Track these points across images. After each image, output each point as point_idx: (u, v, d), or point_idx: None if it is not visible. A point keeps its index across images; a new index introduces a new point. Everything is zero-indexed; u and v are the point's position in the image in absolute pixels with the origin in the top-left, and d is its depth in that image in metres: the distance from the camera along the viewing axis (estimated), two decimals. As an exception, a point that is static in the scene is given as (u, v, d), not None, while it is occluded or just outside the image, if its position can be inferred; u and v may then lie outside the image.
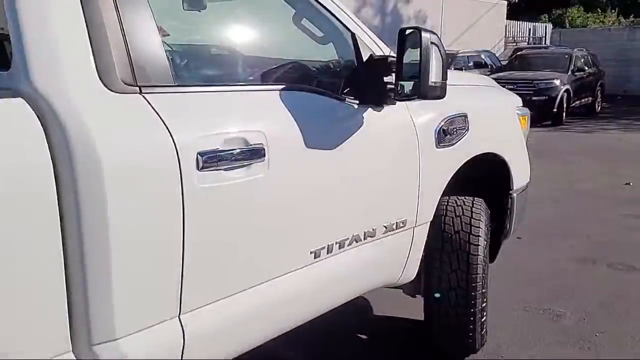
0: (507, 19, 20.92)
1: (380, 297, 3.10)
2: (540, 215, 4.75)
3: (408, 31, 1.89)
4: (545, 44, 21.75)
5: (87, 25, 1.34)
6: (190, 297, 1.51)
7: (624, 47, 20.55)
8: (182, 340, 1.51)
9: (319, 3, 1.99)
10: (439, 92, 1.89)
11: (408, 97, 1.93)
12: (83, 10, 1.33)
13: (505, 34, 20.96)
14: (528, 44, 21.31)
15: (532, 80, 11.75)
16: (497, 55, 17.21)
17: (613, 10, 24.02)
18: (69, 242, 1.26)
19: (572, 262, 4.10)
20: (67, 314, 1.30)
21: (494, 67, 14.98)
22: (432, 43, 1.80)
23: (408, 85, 1.96)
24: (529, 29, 22.32)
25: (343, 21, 2.05)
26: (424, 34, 1.80)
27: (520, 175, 2.96)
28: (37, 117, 1.23)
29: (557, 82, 11.98)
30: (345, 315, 2.51)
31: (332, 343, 2.89)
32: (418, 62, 1.81)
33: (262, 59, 1.97)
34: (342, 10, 2.06)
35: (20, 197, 1.19)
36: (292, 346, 2.71)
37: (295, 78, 1.97)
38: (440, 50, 1.84)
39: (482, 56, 15.26)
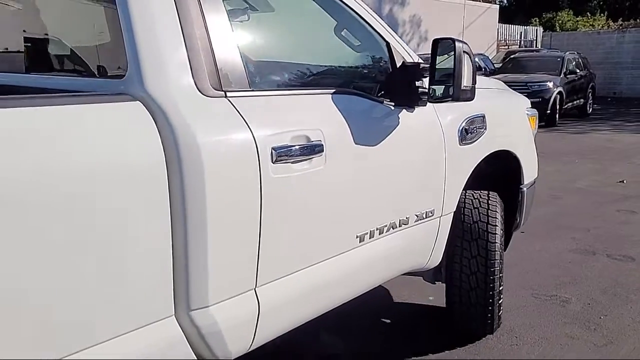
0: (499, 22, 21.29)
1: (397, 285, 3.36)
2: (540, 211, 5.01)
3: (441, 41, 2.14)
4: (536, 47, 22.14)
5: (184, 41, 1.58)
6: (263, 272, 1.75)
7: (613, 50, 21.00)
8: (257, 310, 1.75)
9: (359, 15, 2.25)
10: (469, 95, 2.15)
11: (441, 100, 2.19)
12: (182, 29, 1.57)
13: (498, 38, 21.33)
14: (519, 47, 21.68)
15: (526, 83, 12.06)
16: (489, 58, 17.55)
17: (602, 14, 24.49)
18: (176, 221, 1.49)
19: (574, 253, 4.36)
20: (173, 285, 1.53)
21: (488, 70, 15.29)
22: (464, 52, 2.06)
23: (439, 89, 2.22)
24: (521, 33, 22.71)
25: (379, 31, 2.30)
26: (457, 44, 2.05)
27: (529, 171, 3.23)
28: (150, 115, 1.47)
29: (550, 84, 12.30)
30: (368, 302, 2.75)
31: (360, 326, 3.14)
32: (452, 68, 2.05)
33: (314, 66, 2.21)
34: (377, 21, 2.31)
35: (140, 181, 1.42)
36: (323, 329, 2.96)
37: (341, 82, 2.21)
38: (470, 58, 2.09)
39: (477, 59, 15.52)
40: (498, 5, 21.54)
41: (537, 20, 24.79)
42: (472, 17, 19.12)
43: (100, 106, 1.41)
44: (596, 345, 2.95)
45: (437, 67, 2.20)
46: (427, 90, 2.26)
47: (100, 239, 1.36)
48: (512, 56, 15.29)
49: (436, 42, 2.16)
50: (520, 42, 22.45)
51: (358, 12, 2.23)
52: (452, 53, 2.06)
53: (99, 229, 1.35)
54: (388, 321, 3.28)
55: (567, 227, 4.99)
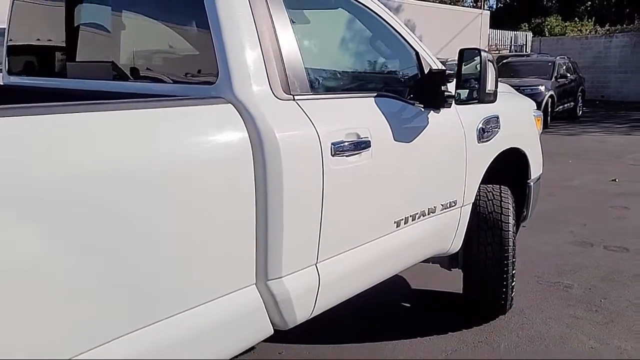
0: (490, 27, 21.75)
1: (412, 274, 3.65)
2: (539, 208, 5.30)
3: (466, 50, 2.44)
4: (525, 51, 22.60)
5: (262, 54, 1.87)
6: (323, 250, 2.04)
7: (601, 54, 21.50)
8: (318, 282, 2.04)
9: (393, 28, 2.55)
10: (492, 98, 2.46)
11: (467, 102, 2.49)
12: (260, 45, 1.87)
13: (489, 42, 21.78)
14: (510, 51, 22.14)
15: (519, 87, 12.36)
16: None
17: (590, 20, 25.05)
18: (259, 202, 1.78)
19: (573, 245, 4.69)
20: (255, 257, 1.82)
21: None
22: (488, 60, 2.36)
23: (463, 93, 2.53)
24: (511, 38, 23.19)
25: (409, 42, 2.61)
26: (483, 53, 2.36)
27: (536, 167, 3.55)
28: (239, 114, 1.76)
29: (542, 88, 12.70)
30: (389, 289, 3.05)
31: (383, 310, 3.43)
32: (478, 74, 2.36)
33: (357, 72, 2.51)
34: (408, 33, 2.62)
35: (232, 166, 1.71)
36: (353, 313, 3.25)
37: (380, 87, 2.51)
38: (493, 65, 2.40)
39: (470, 64, 15.91)
40: (489, 11, 21.97)
41: (527, 26, 25.32)
42: (464, 23, 19.56)
43: (205, 107, 1.71)
44: (598, 323, 3.27)
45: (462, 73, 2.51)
46: (451, 94, 2.56)
47: (203, 215, 1.65)
48: (504, 61, 15.69)
49: (462, 52, 2.47)
50: (510, 47, 22.93)
51: (392, 25, 2.54)
52: (478, 61, 2.36)
53: (201, 208, 1.64)
54: (408, 305, 3.58)
55: (565, 222, 5.32)
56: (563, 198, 6.36)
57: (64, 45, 2.52)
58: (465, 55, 2.47)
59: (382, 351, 2.96)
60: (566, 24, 24.90)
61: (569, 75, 14.51)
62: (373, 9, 2.48)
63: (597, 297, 3.65)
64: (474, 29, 20.39)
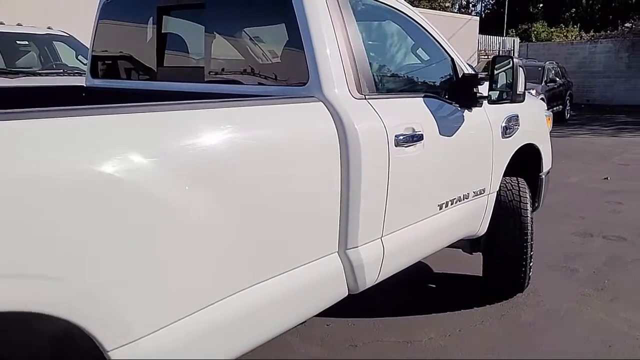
0: (479, 33, 22.31)
1: (434, 260, 4.03)
2: (542, 202, 5.75)
3: (499, 57, 2.84)
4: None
5: (342, 61, 2.24)
6: (387, 226, 2.41)
7: (586, 59, 22.15)
8: (383, 253, 2.41)
9: (432, 36, 2.94)
10: (522, 98, 2.85)
11: (498, 102, 2.88)
12: (339, 52, 2.24)
13: (478, 47, 22.33)
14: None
15: (511, 91, 12.92)
16: (474, 67, 18.43)
17: (575, 26, 25.75)
18: (343, 183, 2.15)
19: (575, 235, 5.11)
20: (338, 229, 2.19)
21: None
22: (519, 66, 2.76)
23: (494, 94, 2.92)
24: (499, 43, 23.79)
25: (446, 49, 3.00)
26: (514, 60, 2.76)
27: (547, 161, 3.96)
28: (327, 110, 2.13)
29: (533, 92, 13.17)
30: (413, 273, 3.41)
31: (412, 290, 3.81)
32: (511, 78, 2.75)
33: (406, 76, 2.89)
34: (445, 42, 3.00)
35: (324, 151, 2.08)
36: (384, 293, 3.61)
37: (425, 89, 2.89)
38: (523, 70, 2.79)
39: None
40: (478, 17, 22.54)
41: (514, 31, 25.97)
42: (454, 28, 20.04)
43: (303, 104, 2.07)
44: (605, 300, 3.67)
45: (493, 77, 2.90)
46: (482, 95, 2.95)
47: (304, 191, 2.01)
48: (495, 65, 16.16)
49: (495, 58, 2.86)
50: (499, 52, 23.51)
51: (432, 34, 2.93)
52: (510, 66, 2.76)
53: (303, 185, 2.01)
54: (433, 286, 3.97)
55: (565, 215, 5.74)
56: (561, 194, 6.78)
57: (144, 53, 2.88)
58: (497, 61, 2.86)
59: (416, 324, 3.32)
60: (552, 29, 25.61)
61: (557, 79, 15.06)
62: (417, 20, 2.88)
63: (601, 278, 4.06)
64: (465, 34, 20.90)
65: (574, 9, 27.63)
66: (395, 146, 2.37)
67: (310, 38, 2.17)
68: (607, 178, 7.78)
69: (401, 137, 2.40)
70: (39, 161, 1.28)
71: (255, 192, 1.81)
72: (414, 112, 2.59)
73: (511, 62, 2.77)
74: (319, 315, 2.46)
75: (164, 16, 2.74)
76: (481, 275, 3.77)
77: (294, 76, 2.26)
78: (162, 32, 2.77)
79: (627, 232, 5.18)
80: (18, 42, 5.78)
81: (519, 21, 26.83)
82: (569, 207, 6.16)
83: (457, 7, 28.76)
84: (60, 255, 1.30)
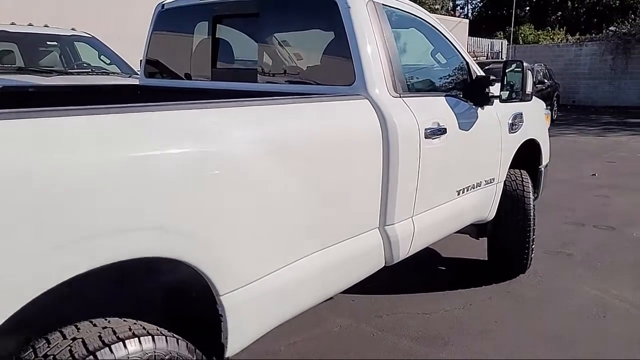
0: (468, 35, 22.83)
1: (442, 245, 4.43)
2: (537, 195, 6.18)
3: (510, 61, 3.23)
4: (502, 58, 23.74)
5: (381, 64, 2.62)
6: (417, 207, 2.80)
7: (572, 62, 22.76)
8: (413, 231, 2.80)
9: (450, 42, 3.33)
10: (530, 98, 3.26)
11: (510, 100, 3.28)
12: (379, 56, 2.62)
13: (467, 49, 22.85)
14: (487, 58, 23.27)
15: (501, 92, 13.40)
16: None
17: (561, 29, 26.41)
18: (384, 168, 2.53)
19: (567, 225, 5.54)
20: (379, 208, 2.57)
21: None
22: (528, 69, 3.16)
23: (504, 94, 3.32)
24: (488, 45, 24.33)
25: (462, 54, 3.39)
26: (524, 64, 3.16)
27: (545, 155, 4.37)
28: (372, 107, 2.51)
29: (523, 93, 13.67)
30: (423, 258, 3.81)
31: (423, 270, 4.20)
32: (521, 79, 3.15)
33: (428, 78, 3.28)
34: (460, 47, 3.40)
35: (370, 141, 2.45)
36: (399, 274, 4.00)
37: (444, 89, 3.28)
38: (531, 73, 3.19)
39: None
40: (468, 20, 23.05)
41: (502, 34, 26.57)
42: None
43: (352, 101, 2.45)
44: (598, 279, 4.09)
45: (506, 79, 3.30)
46: (493, 94, 3.35)
47: (356, 174, 2.39)
48: (486, 67, 16.66)
49: (506, 62, 3.26)
50: (487, 54, 24.08)
51: (450, 40, 3.33)
52: (520, 70, 3.16)
53: (355, 168, 2.39)
54: (444, 268, 4.37)
55: (557, 208, 6.18)
56: (552, 189, 7.17)
57: (197, 55, 3.24)
58: (508, 65, 3.27)
59: (431, 299, 3.71)
60: (539, 32, 26.25)
61: (546, 81, 15.58)
62: (437, 28, 3.27)
63: (594, 261, 4.49)
64: (455, 36, 21.36)
65: (560, 12, 28.30)
66: (425, 138, 2.76)
67: (356, 44, 2.55)
68: (595, 174, 8.25)
69: (429, 131, 2.79)
70: (199, 144, 1.66)
71: (320, 173, 2.19)
72: (438, 109, 2.98)
73: (521, 65, 3.17)
74: (343, 292, 2.83)
75: (218, 23, 3.10)
76: (486, 259, 4.17)
77: (340, 77, 2.63)
78: (216, 37, 3.12)
79: (615, 222, 5.62)
80: (48, 42, 6.09)
81: (506, 24, 27.40)
82: (560, 200, 6.60)
83: (445, 9, 29.25)
84: (194, 216, 1.67)
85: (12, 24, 6.08)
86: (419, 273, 4.16)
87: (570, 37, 24.86)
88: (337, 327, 3.33)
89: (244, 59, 3.13)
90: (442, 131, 2.90)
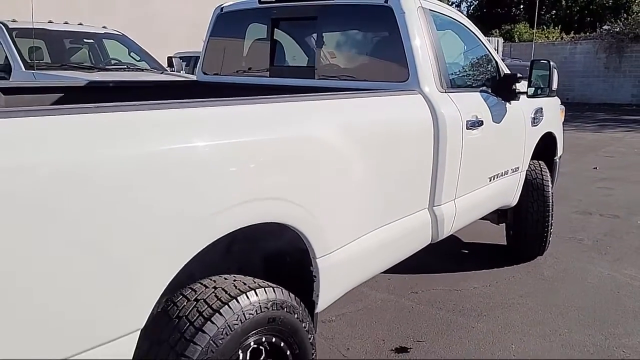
0: (465, 33, 23.21)
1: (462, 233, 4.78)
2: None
3: (537, 60, 3.58)
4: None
5: (430, 63, 2.96)
6: (458, 191, 3.14)
7: (567, 60, 23.17)
8: (455, 211, 3.14)
9: (482, 43, 3.67)
10: (554, 94, 3.60)
11: (537, 96, 3.62)
12: (429, 57, 2.95)
13: (464, 47, 23.22)
14: (483, 56, 23.67)
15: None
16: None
17: (556, 27, 26.88)
18: (434, 155, 2.87)
19: (575, 214, 5.91)
20: (429, 190, 2.91)
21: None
22: (554, 67, 3.50)
23: (530, 90, 3.66)
24: (484, 43, 24.69)
25: (492, 54, 3.74)
26: (550, 63, 3.50)
27: (560, 147, 4.73)
28: (425, 101, 2.84)
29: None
30: (447, 242, 4.15)
31: (447, 254, 4.55)
32: (547, 77, 3.50)
33: (465, 75, 3.62)
34: (491, 48, 3.74)
35: (424, 131, 2.79)
36: (428, 256, 4.34)
37: (478, 85, 3.62)
38: (556, 71, 3.54)
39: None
40: (465, 18, 23.42)
41: (497, 32, 26.98)
42: (443, 28, 20.92)
43: (409, 96, 2.79)
44: (609, 261, 4.46)
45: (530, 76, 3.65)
46: (520, 90, 3.69)
47: (412, 159, 2.73)
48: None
49: (533, 62, 3.60)
50: (484, 52, 24.48)
51: (482, 41, 3.67)
52: (547, 68, 3.51)
53: (410, 155, 2.72)
54: (466, 251, 4.72)
55: (564, 198, 6.54)
56: (558, 181, 7.56)
57: (255, 53, 3.57)
58: (535, 64, 3.61)
59: (459, 278, 4.06)
60: (534, 30, 26.68)
61: (543, 78, 15.93)
62: (472, 30, 3.61)
63: (604, 245, 4.86)
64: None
65: (554, 11, 28.77)
66: (467, 129, 3.10)
67: (410, 45, 2.88)
68: (596, 168, 8.64)
69: (470, 122, 3.13)
70: (304, 130, 1.99)
71: (388, 157, 2.52)
72: (475, 103, 3.32)
73: (548, 64, 3.52)
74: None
75: (276, 24, 3.42)
76: (503, 244, 4.53)
77: (395, 75, 2.96)
78: (274, 37, 3.45)
79: (619, 211, 6.00)
80: (85, 40, 6.38)
81: (502, 22, 27.88)
82: (566, 191, 6.96)
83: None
84: (302, 190, 2.00)
85: (50, 22, 6.34)
86: (445, 256, 4.51)
87: (565, 36, 25.30)
88: (379, 301, 3.67)
89: (301, 57, 3.46)
90: (479, 123, 3.24)
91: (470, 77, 3.64)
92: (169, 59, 7.42)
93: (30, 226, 1.25)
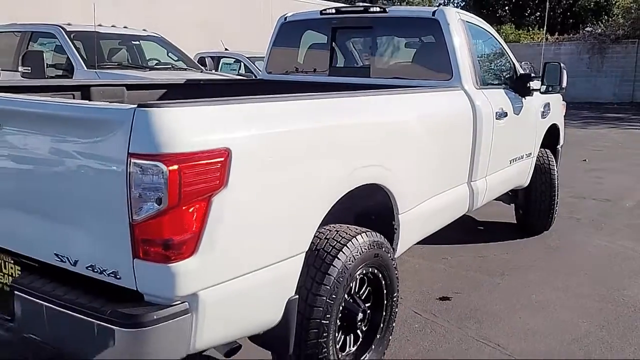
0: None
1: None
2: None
3: (549, 63, 4.29)
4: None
5: (468, 64, 3.65)
6: (489, 169, 3.83)
7: (551, 60, 24.07)
8: (486, 187, 3.83)
9: (503, 48, 4.38)
10: (564, 91, 4.32)
11: (547, 92, 4.34)
12: (467, 59, 3.64)
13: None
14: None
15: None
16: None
17: (540, 29, 27.81)
18: (473, 141, 3.55)
19: (571, 198, 6.66)
20: (469, 169, 3.60)
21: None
22: (563, 68, 4.22)
23: (543, 87, 4.37)
24: (472, 43, 25.57)
25: (510, 56, 4.44)
26: (561, 65, 4.21)
27: (562, 137, 5.47)
28: (466, 96, 3.53)
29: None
30: (462, 220, 4.85)
31: (463, 228, 5.26)
32: (558, 76, 4.21)
33: (492, 74, 4.31)
34: (509, 51, 4.45)
35: (466, 121, 3.47)
36: (450, 230, 5.03)
37: (501, 83, 4.31)
38: (566, 71, 4.25)
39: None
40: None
41: (484, 32, 27.84)
42: (434, 29, 21.72)
43: (454, 92, 3.47)
44: (605, 235, 5.20)
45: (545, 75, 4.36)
46: (534, 88, 4.40)
47: (459, 143, 3.41)
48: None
49: (546, 64, 4.31)
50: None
51: (503, 46, 4.37)
52: (558, 69, 4.22)
53: (460, 140, 3.41)
54: (482, 228, 5.43)
55: (560, 185, 7.28)
56: (552, 171, 8.36)
57: (316, 55, 4.23)
58: (547, 66, 4.32)
59: (481, 247, 4.76)
60: (520, 32, 27.65)
61: (531, 78, 16.78)
62: (495, 36, 4.31)
63: (599, 223, 5.60)
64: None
65: (539, 13, 29.74)
66: (496, 119, 3.79)
67: (453, 50, 3.57)
68: (585, 160, 9.42)
69: (498, 114, 3.82)
70: (393, 117, 2.66)
71: (444, 139, 3.21)
72: (500, 98, 4.01)
73: (559, 66, 4.23)
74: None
75: (336, 32, 4.09)
76: (512, 222, 5.26)
77: (440, 74, 3.64)
78: (334, 41, 4.11)
79: (610, 196, 6.77)
80: (133, 42, 6.96)
81: (487, 23, 28.66)
82: (561, 179, 7.61)
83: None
84: (394, 160, 2.68)
85: (113, 26, 6.88)
86: (466, 232, 5.20)
87: (549, 37, 26.25)
88: (417, 265, 4.35)
89: (357, 59, 4.13)
90: (504, 114, 3.93)
91: (495, 76, 4.33)
92: (201, 58, 8.04)
93: (272, 175, 1.94)
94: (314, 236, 2.33)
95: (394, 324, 2.82)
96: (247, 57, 8.97)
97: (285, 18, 4.28)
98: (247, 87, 4.18)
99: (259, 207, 1.93)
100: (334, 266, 2.32)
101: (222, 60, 8.96)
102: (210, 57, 8.43)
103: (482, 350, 3.10)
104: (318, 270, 2.30)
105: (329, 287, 2.29)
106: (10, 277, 2.14)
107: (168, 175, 1.63)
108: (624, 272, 4.29)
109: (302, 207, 2.14)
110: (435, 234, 3.58)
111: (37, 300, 1.82)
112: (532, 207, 5.05)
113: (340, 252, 2.36)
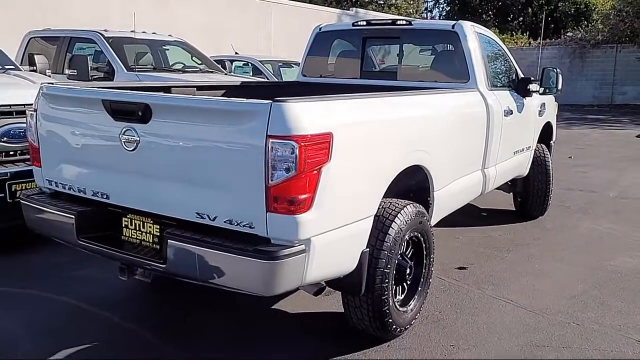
0: (442, 38, 24.88)
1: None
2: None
3: (547, 68, 5.00)
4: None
5: (482, 69, 4.33)
6: (498, 159, 4.52)
7: (534, 64, 24.96)
8: (496, 174, 4.52)
9: (507, 55, 5.08)
10: (560, 92, 5.03)
11: (545, 94, 5.04)
12: (481, 64, 4.33)
13: (441, 51, 24.90)
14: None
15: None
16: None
17: (524, 33, 28.83)
18: (486, 134, 4.23)
19: (560, 190, 7.37)
20: (482, 158, 4.27)
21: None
22: (559, 73, 4.92)
23: (542, 89, 5.07)
24: (458, 47, 26.44)
25: (513, 61, 5.15)
26: (557, 70, 4.92)
27: (554, 134, 6.19)
28: (481, 96, 4.21)
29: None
30: (469, 207, 5.54)
31: (471, 214, 5.95)
32: (555, 80, 4.92)
33: (498, 78, 4.99)
34: (512, 57, 5.15)
35: (481, 118, 4.15)
36: (456, 216, 5.71)
37: (506, 85, 5.00)
38: (562, 75, 4.95)
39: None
40: (442, 24, 25.11)
41: (470, 37, 28.76)
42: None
43: (471, 93, 4.15)
44: (592, 218, 5.92)
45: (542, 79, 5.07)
46: (533, 89, 5.10)
47: (475, 136, 4.09)
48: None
49: (545, 69, 5.01)
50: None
51: (507, 52, 5.08)
52: (555, 73, 4.92)
53: (474, 133, 4.08)
54: (485, 214, 6.12)
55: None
56: (542, 167, 9.10)
57: (347, 60, 4.88)
58: (545, 70, 5.02)
59: (487, 229, 5.45)
60: (503, 36, 28.57)
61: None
62: (500, 44, 5.02)
63: (587, 210, 6.33)
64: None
65: (521, 18, 30.77)
66: (504, 116, 4.48)
67: (470, 57, 4.25)
68: (571, 157, 10.20)
69: (505, 112, 4.51)
70: (428, 110, 3.34)
71: (466, 130, 3.88)
72: (507, 98, 4.71)
73: (555, 70, 4.94)
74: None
75: (366, 40, 4.75)
76: (510, 209, 5.96)
77: (458, 77, 4.31)
78: (365, 47, 4.77)
79: (595, 188, 7.52)
80: (163, 46, 7.52)
81: (473, 27, 29.62)
82: (550, 174, 8.46)
83: (419, 14, 31.35)
84: (432, 146, 3.34)
85: (144, 32, 7.38)
86: (471, 216, 5.89)
87: (532, 42, 27.23)
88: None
89: (386, 64, 4.80)
90: (511, 112, 4.63)
91: (502, 79, 5.02)
92: (222, 62, 8.62)
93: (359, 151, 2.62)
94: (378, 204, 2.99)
95: (430, 280, 3.49)
96: (258, 61, 9.59)
97: (320, 28, 4.93)
98: (291, 87, 4.82)
99: (349, 177, 2.58)
100: (393, 227, 2.97)
101: (234, 64, 9.56)
102: (218, 60, 9.01)
103: (499, 304, 3.77)
104: (380, 231, 2.95)
105: (389, 244, 2.94)
106: (149, 234, 2.76)
107: (298, 150, 2.27)
108: (610, 248, 5.00)
109: (375, 179, 2.79)
110: (446, 218, 4.17)
111: (190, 246, 2.44)
112: (530, 194, 5.75)
113: (396, 218, 3.01)
